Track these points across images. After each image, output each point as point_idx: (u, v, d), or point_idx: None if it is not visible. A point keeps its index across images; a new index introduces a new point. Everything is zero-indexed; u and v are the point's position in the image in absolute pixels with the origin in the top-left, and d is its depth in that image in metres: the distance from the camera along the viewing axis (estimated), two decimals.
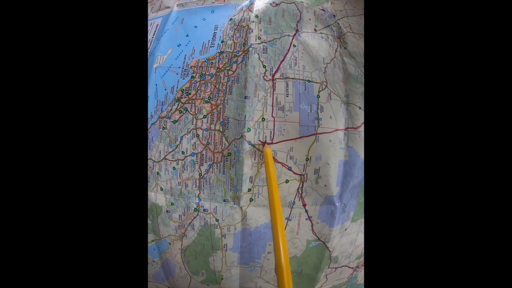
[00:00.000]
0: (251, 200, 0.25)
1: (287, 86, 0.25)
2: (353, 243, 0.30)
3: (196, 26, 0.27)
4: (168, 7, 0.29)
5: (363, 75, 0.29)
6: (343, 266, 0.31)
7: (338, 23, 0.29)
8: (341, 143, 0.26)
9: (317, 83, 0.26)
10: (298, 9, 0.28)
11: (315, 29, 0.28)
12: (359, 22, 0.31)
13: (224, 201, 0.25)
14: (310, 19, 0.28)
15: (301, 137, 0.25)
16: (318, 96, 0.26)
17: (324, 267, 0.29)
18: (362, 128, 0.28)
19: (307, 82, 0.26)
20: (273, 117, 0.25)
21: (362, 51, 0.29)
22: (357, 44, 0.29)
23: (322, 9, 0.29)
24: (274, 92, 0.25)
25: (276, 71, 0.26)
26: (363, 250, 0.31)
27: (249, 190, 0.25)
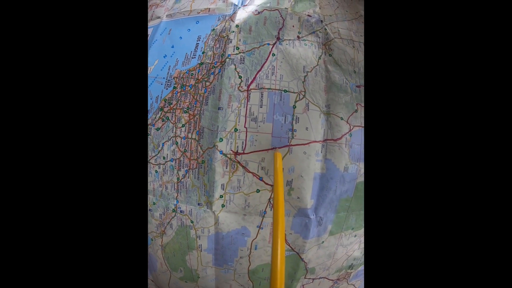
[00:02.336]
0: (223, 206, 0.26)
1: (262, 96, 0.26)
2: (331, 256, 0.29)
3: (181, 37, 0.29)
4: (158, 17, 0.31)
5: (349, 83, 0.27)
6: (321, 278, 0.30)
7: (325, 29, 0.28)
8: (318, 155, 0.26)
9: (294, 93, 0.26)
10: (281, 16, 0.28)
11: (298, 36, 0.27)
12: (350, 27, 0.29)
13: (198, 204, 0.27)
14: (293, 26, 0.28)
15: (273, 148, 0.25)
16: (294, 107, 0.26)
17: (300, 277, 0.29)
18: (343, 140, 0.27)
19: (283, 92, 0.26)
20: (246, 127, 0.25)
21: (349, 58, 0.28)
22: (344, 50, 0.28)
23: (308, 15, 0.28)
24: (248, 103, 0.25)
25: (251, 82, 0.26)
26: (345, 263, 0.30)
27: (221, 196, 0.26)
